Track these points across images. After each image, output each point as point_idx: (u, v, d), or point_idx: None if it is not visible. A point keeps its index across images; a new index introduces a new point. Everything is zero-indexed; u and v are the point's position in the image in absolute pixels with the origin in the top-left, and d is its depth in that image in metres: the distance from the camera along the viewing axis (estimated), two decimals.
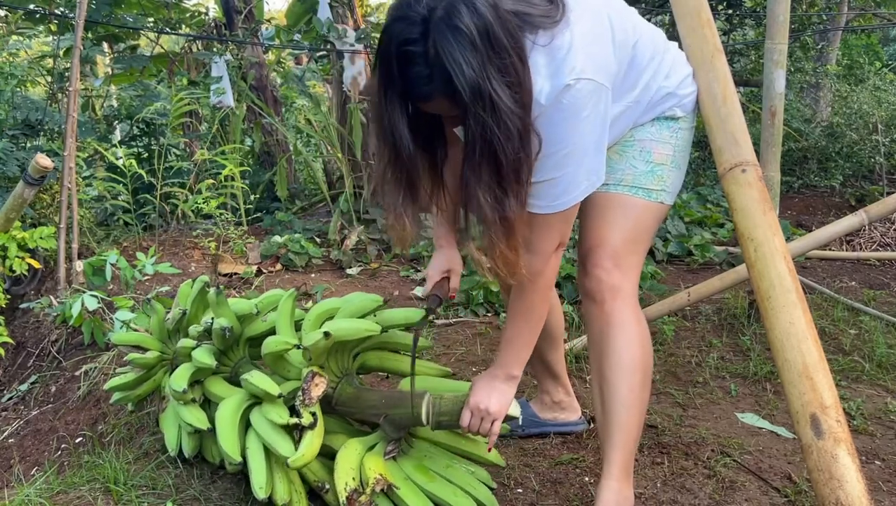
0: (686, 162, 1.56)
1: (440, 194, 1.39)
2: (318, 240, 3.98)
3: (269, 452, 1.54)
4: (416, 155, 1.25)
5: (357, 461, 1.50)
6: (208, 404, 1.77)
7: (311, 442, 1.46)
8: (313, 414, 1.50)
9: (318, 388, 1.52)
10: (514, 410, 1.50)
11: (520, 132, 1.18)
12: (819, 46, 6.55)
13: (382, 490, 1.45)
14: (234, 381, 1.78)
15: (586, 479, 1.71)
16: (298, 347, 1.56)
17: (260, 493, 1.46)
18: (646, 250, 1.57)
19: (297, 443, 1.48)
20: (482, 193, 1.21)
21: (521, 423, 1.65)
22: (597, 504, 1.42)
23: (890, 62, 7.53)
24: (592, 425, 1.96)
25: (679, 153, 1.52)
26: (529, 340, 1.47)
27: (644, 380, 1.49)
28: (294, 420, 1.49)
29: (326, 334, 1.49)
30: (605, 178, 1.42)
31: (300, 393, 1.50)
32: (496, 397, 1.45)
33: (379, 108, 1.21)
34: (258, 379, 1.57)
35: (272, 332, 1.74)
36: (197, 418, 1.68)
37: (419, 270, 3.54)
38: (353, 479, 1.44)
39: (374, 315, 1.72)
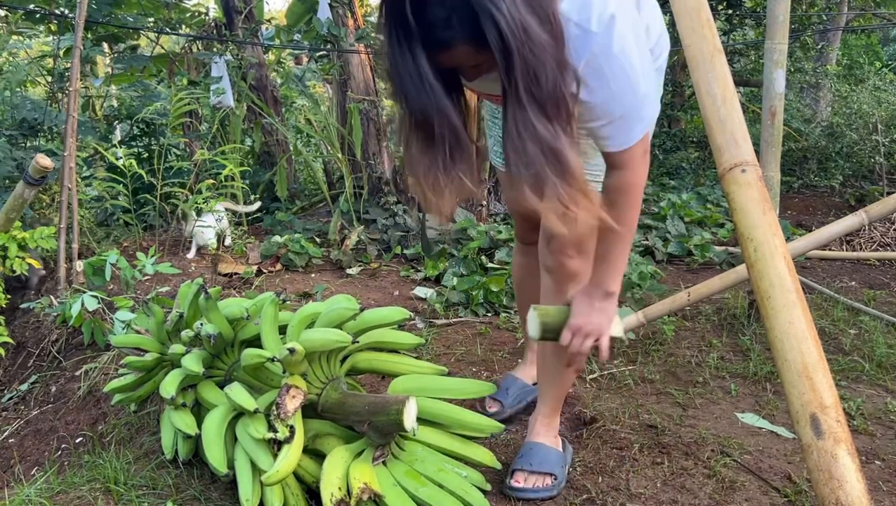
0: (651, 134, 1.57)
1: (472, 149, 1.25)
2: (318, 240, 3.98)
3: None
4: (447, 107, 1.11)
5: (343, 470, 1.48)
6: (204, 408, 1.77)
7: (287, 457, 1.45)
8: (290, 427, 1.49)
9: (295, 400, 1.51)
10: (618, 330, 1.46)
11: (557, 63, 1.09)
12: (819, 46, 6.56)
13: (370, 498, 1.44)
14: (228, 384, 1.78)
15: (586, 480, 1.72)
16: (273, 361, 1.56)
17: (246, 505, 1.48)
18: None
19: (276, 456, 1.48)
20: (530, 131, 1.11)
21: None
22: (530, 428, 1.76)
23: (890, 62, 7.54)
24: (590, 427, 1.96)
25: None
26: (623, 252, 1.43)
27: None
28: (270, 435, 1.49)
29: (291, 351, 1.51)
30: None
31: (274, 407, 1.50)
32: (596, 316, 1.42)
33: (394, 62, 1.08)
34: (236, 394, 1.58)
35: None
36: (186, 423, 1.68)
37: (419, 270, 3.54)
38: (340, 489, 1.43)
39: (355, 319, 1.72)
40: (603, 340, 1.43)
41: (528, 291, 1.92)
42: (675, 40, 1.56)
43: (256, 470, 1.52)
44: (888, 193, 4.37)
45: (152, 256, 2.79)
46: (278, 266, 3.57)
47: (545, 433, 1.74)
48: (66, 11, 4.31)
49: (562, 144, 1.13)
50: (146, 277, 3.03)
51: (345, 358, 1.75)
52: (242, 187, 4.00)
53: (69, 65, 3.19)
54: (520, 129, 1.11)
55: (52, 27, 4.77)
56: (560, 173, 1.14)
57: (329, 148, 4.40)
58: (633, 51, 1.23)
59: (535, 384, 2.02)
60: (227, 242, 3.77)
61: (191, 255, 3.59)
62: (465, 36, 1.04)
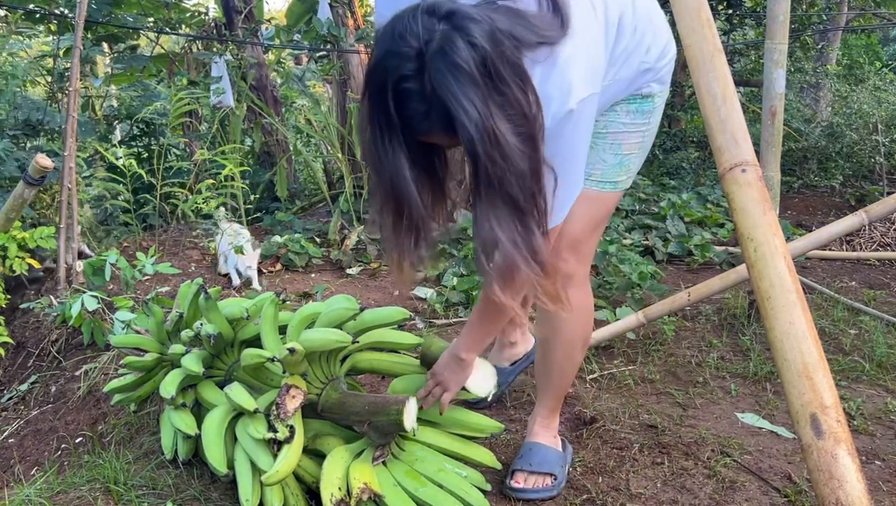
0: (654, 135, 1.57)
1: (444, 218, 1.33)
2: (318, 240, 3.98)
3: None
4: (418, 197, 1.16)
5: (343, 470, 1.48)
6: (204, 408, 1.77)
7: (287, 457, 1.45)
8: (290, 427, 1.49)
9: (295, 400, 1.51)
10: (477, 389, 1.64)
11: (531, 168, 1.12)
12: (819, 46, 6.55)
13: (370, 498, 1.44)
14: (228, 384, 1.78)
15: (586, 480, 1.72)
16: (273, 361, 1.56)
17: (246, 505, 1.48)
18: (602, 229, 1.63)
19: (275, 456, 1.48)
20: (503, 234, 1.14)
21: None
22: (529, 428, 1.77)
23: (890, 62, 7.54)
24: (590, 427, 1.96)
25: (648, 136, 1.54)
26: (487, 331, 1.55)
27: (582, 350, 1.70)
28: (270, 435, 1.48)
29: (291, 351, 1.51)
30: None
31: (274, 407, 1.49)
32: (448, 374, 1.59)
33: (375, 148, 1.13)
34: (236, 394, 1.58)
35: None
36: (186, 423, 1.68)
37: (419, 271, 3.54)
38: (339, 489, 1.43)
39: (355, 319, 1.72)
40: (446, 395, 1.60)
41: None
42: (675, 40, 1.55)
43: (256, 470, 1.52)
44: (888, 193, 4.37)
45: (152, 256, 2.79)
46: (278, 266, 3.57)
47: (544, 434, 1.75)
48: (66, 11, 4.32)
49: (539, 246, 1.16)
50: (146, 277, 3.03)
51: (345, 358, 1.75)
52: (242, 187, 4.00)
53: (69, 65, 3.19)
54: (492, 232, 1.15)
55: (52, 27, 4.77)
56: (529, 265, 1.16)
57: (329, 148, 4.40)
58: (580, 148, 1.29)
59: (513, 365, 2.08)
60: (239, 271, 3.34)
61: (235, 283, 3.25)
62: (441, 129, 1.09)
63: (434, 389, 1.61)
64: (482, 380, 1.65)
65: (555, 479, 1.65)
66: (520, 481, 1.64)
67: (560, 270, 1.28)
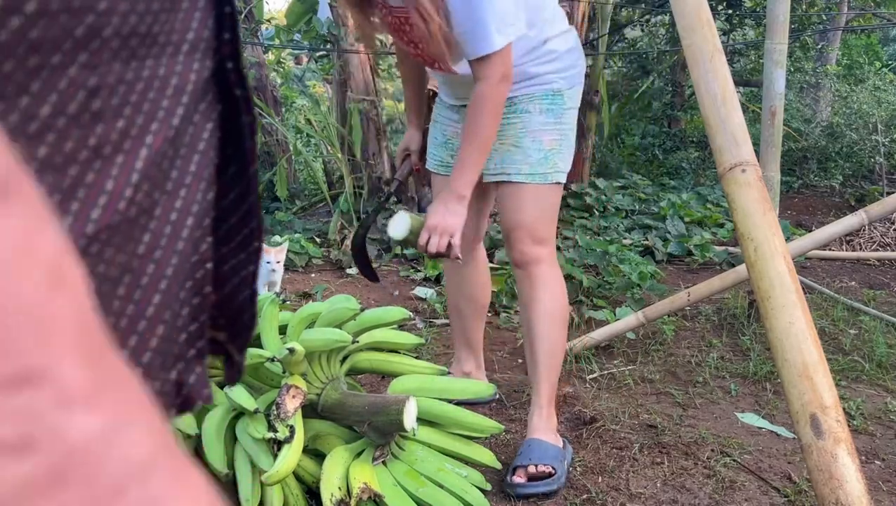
0: (574, 139, 1.79)
1: None
2: (318, 240, 3.98)
3: None
4: None
5: (343, 470, 1.49)
6: (205, 407, 1.77)
7: (287, 457, 1.45)
8: (290, 427, 1.49)
9: (295, 400, 1.50)
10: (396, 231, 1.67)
11: None
12: (819, 46, 6.55)
13: (370, 498, 1.44)
14: None
15: (586, 480, 1.72)
16: (272, 361, 1.56)
17: (246, 505, 1.48)
18: (556, 217, 1.82)
19: (275, 456, 1.48)
20: None
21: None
22: (529, 425, 1.79)
23: (890, 62, 7.54)
24: (590, 427, 1.96)
25: (566, 136, 1.75)
26: (477, 161, 1.61)
27: (563, 327, 1.82)
28: (270, 435, 1.49)
29: (291, 351, 1.51)
30: (508, 168, 1.71)
31: (274, 407, 1.49)
32: (449, 217, 1.60)
33: None
34: (236, 394, 1.57)
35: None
36: (186, 423, 1.68)
37: (419, 270, 3.54)
38: (339, 488, 1.43)
39: (355, 319, 1.72)
40: (455, 238, 1.60)
41: (460, 293, 2.06)
42: (675, 40, 1.55)
43: (256, 470, 1.52)
44: (888, 193, 4.37)
45: None
46: None
47: (544, 429, 1.76)
48: None
49: None
50: None
51: (345, 358, 1.75)
52: None
53: None
54: None
55: None
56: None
57: (329, 148, 4.40)
58: None
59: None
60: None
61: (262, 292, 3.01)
62: None
63: (440, 241, 1.59)
64: (402, 221, 1.68)
65: (554, 472, 1.65)
66: (521, 477, 1.65)
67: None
